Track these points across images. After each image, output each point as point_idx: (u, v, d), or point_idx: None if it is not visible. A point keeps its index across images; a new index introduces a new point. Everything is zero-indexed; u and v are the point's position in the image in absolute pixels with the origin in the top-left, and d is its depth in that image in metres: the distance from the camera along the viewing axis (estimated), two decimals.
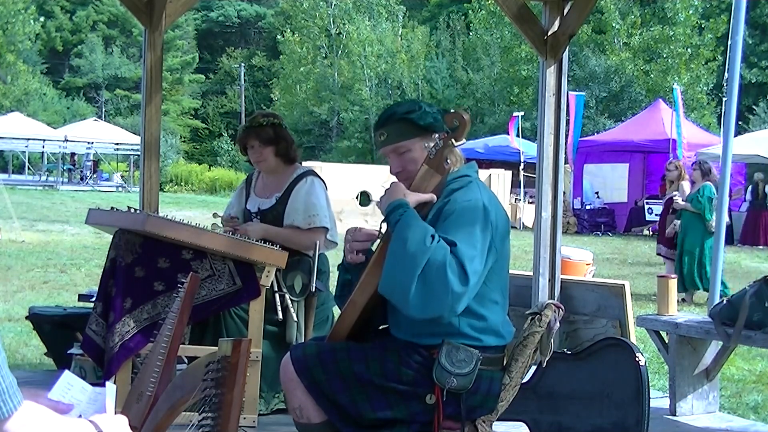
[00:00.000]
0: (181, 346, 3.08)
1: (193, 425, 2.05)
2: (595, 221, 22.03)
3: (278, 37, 46.43)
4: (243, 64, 51.86)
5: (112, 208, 4.48)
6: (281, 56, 46.64)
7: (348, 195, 17.24)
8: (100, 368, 4.32)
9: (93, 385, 1.91)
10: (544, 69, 5.63)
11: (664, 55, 32.60)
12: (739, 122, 26.03)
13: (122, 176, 37.75)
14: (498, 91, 38.63)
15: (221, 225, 4.73)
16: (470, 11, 40.93)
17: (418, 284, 2.65)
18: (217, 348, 2.06)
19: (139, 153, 5.96)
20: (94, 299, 4.55)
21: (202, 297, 4.15)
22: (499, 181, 22.90)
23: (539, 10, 5.90)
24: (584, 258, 8.63)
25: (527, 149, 21.99)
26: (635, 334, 5.65)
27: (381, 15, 42.53)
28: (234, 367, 2.01)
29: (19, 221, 15.88)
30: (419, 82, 41.40)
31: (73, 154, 36.76)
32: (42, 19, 45.83)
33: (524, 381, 3.11)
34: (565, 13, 5.61)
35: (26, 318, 5.74)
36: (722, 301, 4.84)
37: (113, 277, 4.18)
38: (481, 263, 2.74)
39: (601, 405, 3.66)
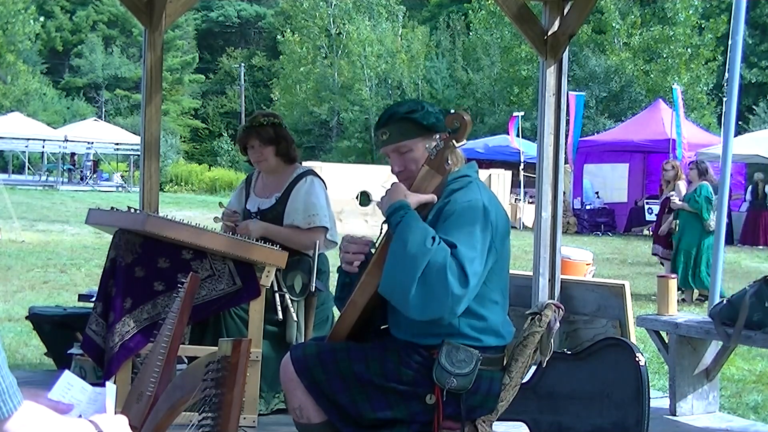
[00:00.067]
0: (181, 346, 3.08)
1: (193, 425, 2.05)
2: (595, 221, 22.04)
3: (278, 37, 46.43)
4: (243, 64, 51.86)
5: (112, 208, 4.48)
6: (281, 56, 46.64)
7: (348, 195, 17.24)
8: (100, 368, 4.32)
9: (93, 385, 1.91)
10: (544, 69, 5.62)
11: (664, 55, 32.61)
12: (739, 122, 26.03)
13: (122, 176, 37.75)
14: (498, 91, 38.63)
15: (221, 218, 4.73)
16: (470, 11, 40.93)
17: (418, 286, 2.65)
18: (217, 348, 2.06)
19: (139, 153, 5.96)
20: (94, 299, 4.54)
21: (202, 297, 4.15)
22: (499, 181, 22.90)
23: (539, 10, 5.90)
24: (584, 258, 8.63)
25: (527, 149, 21.99)
26: (635, 334, 5.65)
27: (381, 15, 42.53)
28: (234, 367, 2.01)
29: (19, 221, 15.88)
30: (419, 82, 41.40)
31: (73, 154, 36.76)
32: (42, 19, 45.83)
33: (524, 381, 3.11)
34: (565, 13, 5.61)
35: (26, 318, 5.74)
36: (722, 301, 4.84)
37: (113, 277, 4.18)
38: (481, 264, 2.74)
39: (601, 405, 3.66)
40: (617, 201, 22.86)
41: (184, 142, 49.86)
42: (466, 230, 2.74)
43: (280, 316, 4.52)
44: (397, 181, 2.97)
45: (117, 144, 35.83)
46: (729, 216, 14.07)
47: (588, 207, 22.44)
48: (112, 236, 4.32)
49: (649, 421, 3.58)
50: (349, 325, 2.94)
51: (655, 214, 13.09)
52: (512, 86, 36.97)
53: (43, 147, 35.61)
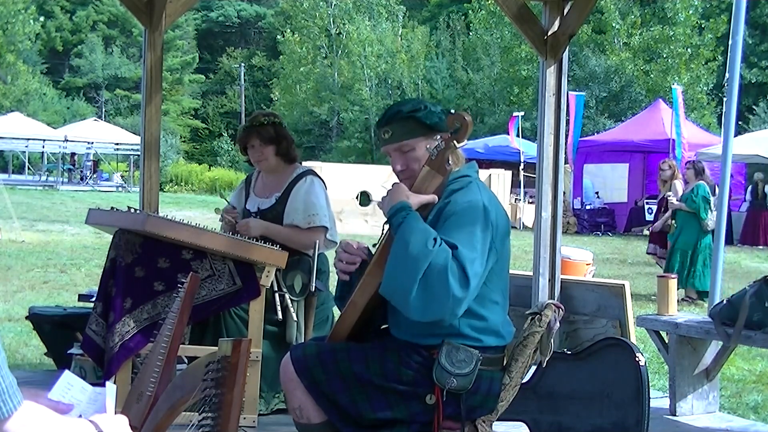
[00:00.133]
0: (181, 346, 3.08)
1: (193, 425, 2.05)
2: (595, 221, 22.04)
3: (278, 37, 46.43)
4: (243, 64, 51.86)
5: (112, 208, 4.48)
6: (281, 56, 46.64)
7: (348, 195, 17.26)
8: (100, 368, 4.32)
9: (93, 385, 1.91)
10: (544, 69, 5.63)
11: (664, 55, 32.60)
12: (739, 122, 26.03)
13: (122, 176, 37.74)
14: (498, 91, 38.62)
15: (221, 214, 4.73)
16: (470, 11, 40.93)
17: (419, 288, 2.65)
18: (217, 348, 2.06)
19: (139, 153, 5.96)
20: (94, 299, 4.55)
21: (202, 297, 4.15)
22: (499, 181, 22.90)
23: (539, 10, 5.90)
24: (584, 258, 8.63)
25: (527, 149, 22.00)
26: (635, 334, 5.65)
27: (381, 15, 42.53)
28: (234, 367, 2.01)
29: (19, 221, 15.88)
30: (419, 82, 41.40)
31: (73, 154, 36.75)
32: (42, 19, 45.82)
33: (524, 381, 3.11)
34: (565, 13, 5.61)
35: (26, 318, 5.74)
36: (722, 301, 4.84)
37: (113, 277, 4.18)
38: (482, 265, 2.74)
39: (601, 405, 3.66)
40: (617, 201, 22.87)
41: (184, 142, 49.86)
42: (466, 231, 2.74)
43: (280, 316, 4.52)
44: (397, 180, 2.97)
45: (117, 144, 35.82)
46: (729, 216, 14.07)
47: (588, 207, 22.44)
48: (112, 236, 4.32)
49: (649, 421, 3.58)
50: (350, 325, 2.94)
51: (655, 214, 13.08)
52: (512, 86, 36.96)
53: (43, 147, 35.60)
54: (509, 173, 23.76)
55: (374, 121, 37.07)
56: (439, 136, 2.89)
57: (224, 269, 4.22)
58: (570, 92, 19.59)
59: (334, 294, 3.20)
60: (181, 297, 2.41)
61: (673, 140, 18.43)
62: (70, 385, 1.86)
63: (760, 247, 18.66)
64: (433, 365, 2.80)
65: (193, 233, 4.12)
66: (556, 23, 5.62)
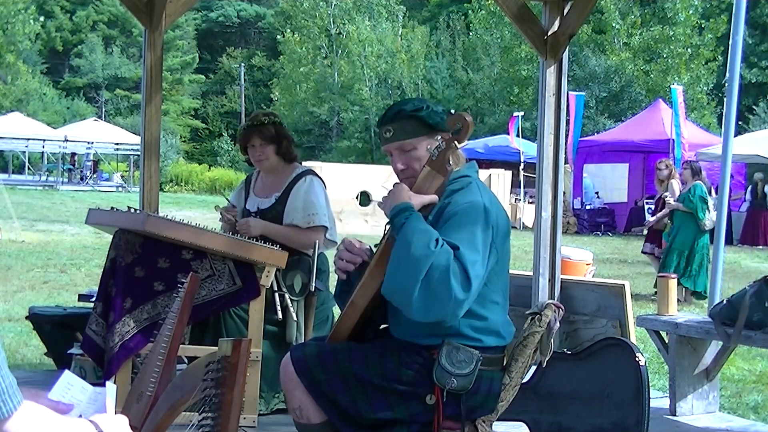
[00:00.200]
0: (181, 346, 3.08)
1: (193, 425, 2.05)
2: (595, 221, 22.04)
3: (278, 37, 46.43)
4: (243, 64, 51.86)
5: (112, 208, 4.48)
6: (281, 56, 46.64)
7: (348, 195, 17.26)
8: (100, 368, 4.32)
9: (93, 385, 1.91)
10: (544, 69, 5.62)
11: (664, 55, 32.61)
12: (739, 122, 26.03)
13: (122, 176, 37.75)
14: (498, 91, 38.63)
15: (221, 208, 4.73)
16: (470, 11, 40.94)
17: (421, 289, 2.64)
18: (217, 348, 2.06)
19: (139, 153, 5.96)
20: (94, 299, 4.54)
21: (202, 297, 4.15)
22: (499, 181, 22.91)
23: (539, 10, 5.90)
24: (584, 258, 8.64)
25: (527, 149, 22.00)
26: (635, 334, 5.65)
27: (381, 15, 42.53)
28: (234, 367, 2.01)
29: (19, 221, 15.88)
30: (419, 82, 41.41)
31: (73, 154, 36.75)
32: (42, 19, 45.84)
33: (524, 381, 3.10)
34: (565, 13, 5.61)
35: (26, 318, 5.74)
36: (722, 301, 4.84)
37: (113, 277, 4.18)
38: (483, 266, 2.74)
39: (601, 405, 3.66)
40: (617, 201, 22.87)
41: (184, 142, 49.85)
42: (467, 232, 2.74)
43: (280, 316, 4.52)
44: (397, 180, 2.97)
45: (117, 144, 35.82)
46: (729, 216, 14.07)
47: (588, 207, 22.44)
48: (112, 236, 4.32)
49: (649, 421, 3.58)
50: (350, 325, 2.93)
51: (652, 214, 13.10)
52: (512, 86, 36.97)
53: (43, 147, 35.60)
54: (509, 173, 23.76)
55: (374, 121, 37.09)
56: (440, 136, 2.89)
57: (224, 269, 4.22)
58: (570, 92, 19.58)
59: (333, 293, 3.20)
60: (181, 297, 2.41)
61: (673, 140, 18.44)
62: (70, 385, 1.86)
63: (760, 247, 18.66)
64: (433, 365, 2.80)
65: (193, 233, 4.12)
66: (556, 23, 5.62)
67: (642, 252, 11.53)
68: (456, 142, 2.87)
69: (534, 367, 3.44)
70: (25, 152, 38.05)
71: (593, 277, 8.49)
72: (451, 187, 2.89)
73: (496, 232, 2.81)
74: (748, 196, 19.82)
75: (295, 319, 4.53)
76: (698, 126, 24.60)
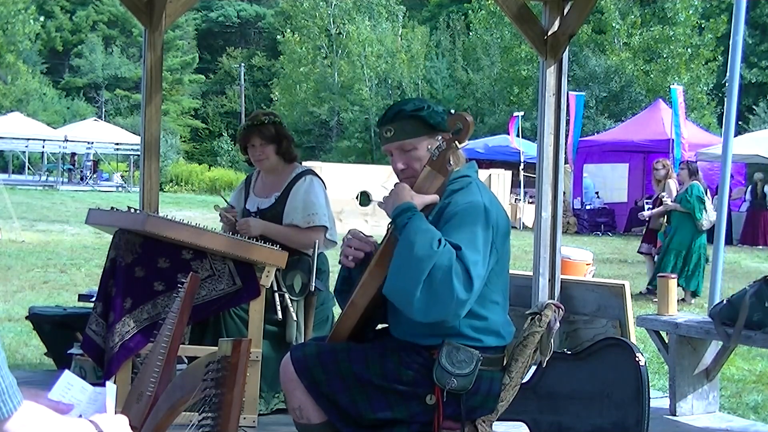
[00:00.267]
0: (181, 346, 3.08)
1: (193, 425, 2.05)
2: (595, 221, 22.04)
3: (278, 37, 46.43)
4: (243, 64, 51.86)
5: (112, 208, 4.48)
6: (281, 56, 46.65)
7: (348, 195, 17.26)
8: (100, 368, 4.32)
9: (93, 385, 1.91)
10: (544, 69, 5.62)
11: (664, 55, 32.61)
12: (739, 122, 26.04)
13: (122, 176, 37.74)
14: (498, 91, 38.63)
15: (220, 209, 4.73)
16: (470, 11, 40.94)
17: (423, 289, 2.64)
18: (217, 348, 2.06)
19: (139, 153, 5.96)
20: (94, 299, 4.54)
21: (202, 297, 4.15)
22: (499, 181, 22.91)
23: (539, 10, 5.90)
24: (584, 258, 8.64)
25: (527, 149, 21.99)
26: (635, 334, 5.65)
27: (381, 15, 42.54)
28: (234, 367, 2.01)
29: (19, 221, 15.88)
30: (419, 82, 41.41)
31: (73, 154, 36.75)
32: (42, 19, 45.83)
33: (524, 381, 3.11)
34: (565, 13, 5.61)
35: (26, 318, 5.74)
36: (722, 301, 4.84)
37: (113, 277, 4.18)
38: (484, 266, 2.74)
39: (601, 405, 3.66)
40: (617, 201, 22.87)
41: (184, 142, 49.85)
42: (468, 232, 2.74)
43: (280, 315, 4.52)
44: (397, 180, 2.96)
45: (117, 144, 35.82)
46: (729, 216, 14.08)
47: (588, 207, 22.44)
48: (112, 236, 4.32)
49: (649, 421, 3.58)
50: (350, 326, 2.93)
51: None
52: (512, 86, 36.97)
53: (43, 147, 35.60)
54: (509, 173, 23.76)
55: (374, 121, 37.09)
56: (440, 137, 2.88)
57: (224, 269, 4.22)
58: (570, 92, 19.58)
59: (334, 289, 3.19)
60: (181, 297, 2.41)
61: (673, 140, 18.43)
62: (70, 385, 1.86)
63: (760, 247, 18.66)
64: (434, 365, 2.80)
65: (193, 233, 4.12)
66: (556, 23, 5.62)
67: (638, 252, 11.53)
68: (457, 142, 2.87)
69: (534, 367, 3.44)
70: (25, 152, 38.05)
71: (593, 277, 8.49)
72: (452, 187, 2.89)
73: (496, 232, 2.81)
74: (748, 196, 19.82)
75: (294, 319, 4.53)
76: (698, 126, 24.60)
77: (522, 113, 24.04)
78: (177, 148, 44.84)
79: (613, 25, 33.63)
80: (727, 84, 6.16)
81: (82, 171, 36.50)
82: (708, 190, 10.39)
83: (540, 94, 5.69)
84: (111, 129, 37.60)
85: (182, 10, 5.52)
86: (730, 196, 7.86)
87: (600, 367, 3.66)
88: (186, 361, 4.34)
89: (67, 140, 34.03)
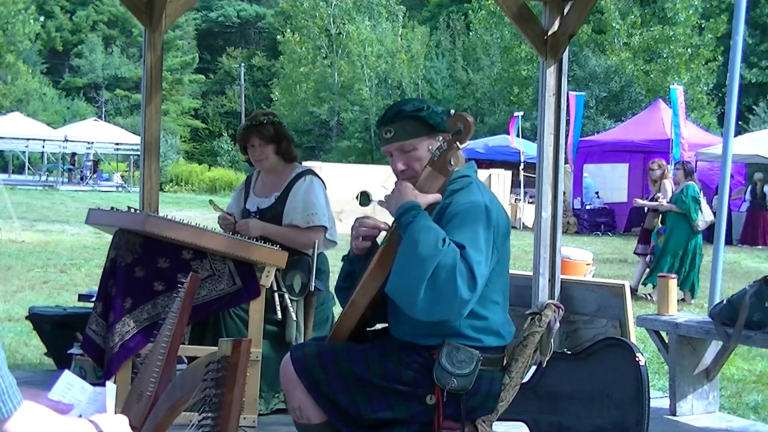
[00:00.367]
0: (181, 346, 3.08)
1: (193, 425, 2.05)
2: (595, 221, 22.04)
3: (278, 37, 46.44)
4: (243, 64, 51.87)
5: (112, 208, 4.48)
6: (281, 56, 46.65)
7: (348, 195, 17.28)
8: (100, 368, 4.32)
9: (93, 385, 1.91)
10: (544, 69, 5.62)
11: (664, 55, 32.61)
12: (739, 122, 26.04)
13: (122, 176, 37.74)
14: (498, 91, 38.63)
15: (216, 205, 4.74)
16: (470, 11, 40.94)
17: (427, 288, 2.63)
18: (217, 348, 2.06)
19: (139, 153, 5.96)
20: (94, 299, 4.54)
21: (202, 297, 4.15)
22: (499, 181, 22.91)
23: (539, 10, 5.90)
24: (584, 258, 8.65)
25: (527, 149, 21.99)
26: (635, 334, 5.65)
27: (381, 15, 42.54)
28: (234, 367, 2.01)
29: (19, 221, 15.87)
30: (419, 82, 41.41)
31: (73, 154, 36.75)
32: (42, 19, 45.83)
33: (524, 381, 3.10)
34: (565, 13, 5.61)
35: (26, 318, 5.74)
36: (722, 301, 4.84)
37: (113, 277, 4.18)
38: (487, 266, 2.74)
39: (601, 405, 3.66)
40: (617, 201, 22.86)
41: (184, 142, 49.85)
42: (470, 231, 2.74)
43: (279, 315, 4.52)
44: (399, 180, 2.96)
45: (117, 144, 35.82)
46: (729, 216, 14.07)
47: (588, 207, 22.44)
48: (112, 236, 4.32)
49: (649, 421, 3.58)
50: (350, 326, 2.93)
51: (646, 214, 13.12)
52: (512, 86, 36.97)
53: (43, 147, 35.60)
54: (509, 173, 23.76)
55: (374, 121, 37.07)
56: (441, 137, 2.88)
57: (224, 269, 4.22)
58: (570, 92, 19.57)
59: (335, 287, 3.18)
60: (181, 297, 2.41)
61: (672, 140, 18.41)
62: (70, 385, 1.86)
63: (760, 247, 18.66)
64: (434, 365, 2.80)
65: (193, 233, 4.12)
66: (556, 23, 5.62)
67: (635, 253, 11.53)
68: (458, 142, 2.87)
69: (534, 367, 3.44)
70: (25, 152, 38.05)
71: (593, 277, 8.50)
72: (452, 187, 2.89)
73: (497, 232, 2.81)
74: (748, 196, 19.82)
75: (294, 319, 4.53)
76: (698, 126, 24.60)
77: (522, 113, 24.04)
78: (177, 148, 44.84)
79: (613, 25, 33.63)
80: (727, 84, 6.16)
81: (82, 171, 36.50)
82: (702, 191, 10.37)
83: (540, 94, 5.69)
84: (111, 129, 37.60)
85: (182, 10, 5.52)
86: (729, 196, 7.85)
87: (600, 367, 3.66)
88: (186, 361, 4.34)
89: (67, 140, 34.03)
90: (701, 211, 9.90)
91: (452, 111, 2.97)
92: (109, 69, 51.41)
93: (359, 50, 41.18)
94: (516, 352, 2.97)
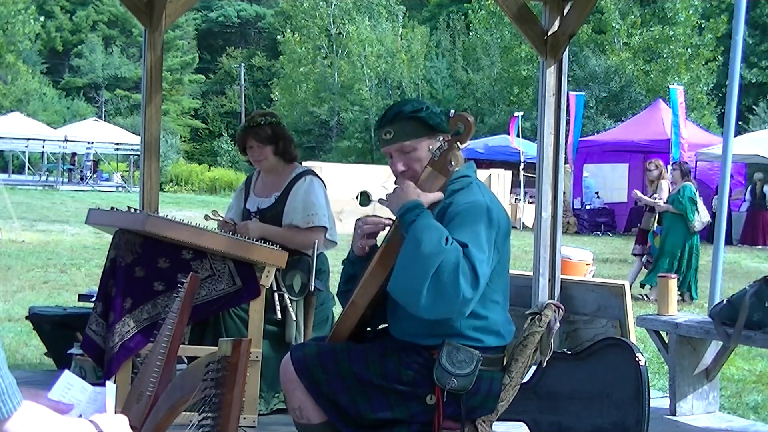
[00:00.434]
0: (181, 346, 3.08)
1: (193, 425, 2.05)
2: (595, 221, 22.04)
3: (278, 37, 46.44)
4: (243, 64, 51.87)
5: (112, 208, 4.48)
6: (281, 56, 46.65)
7: (348, 195, 17.27)
8: (100, 368, 4.32)
9: (93, 385, 1.91)
10: (544, 69, 5.62)
11: (664, 55, 32.61)
12: (739, 122, 26.04)
13: (122, 176, 37.74)
14: (498, 91, 38.63)
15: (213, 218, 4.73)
16: (470, 11, 40.94)
17: (430, 286, 2.63)
18: (217, 348, 2.06)
19: (139, 153, 5.96)
20: (94, 299, 4.54)
21: (202, 297, 4.15)
22: (499, 181, 22.91)
23: (539, 10, 5.90)
24: (584, 258, 8.65)
25: (527, 149, 22.00)
26: (635, 334, 5.65)
27: (381, 15, 42.54)
28: (234, 367, 2.01)
29: (19, 221, 15.88)
30: (419, 82, 41.41)
31: (73, 154, 36.75)
32: (42, 19, 45.82)
33: (524, 381, 3.10)
34: (565, 13, 5.61)
35: (26, 318, 5.74)
36: (722, 301, 4.84)
37: (113, 277, 4.18)
38: (489, 265, 2.74)
39: (601, 405, 3.66)
40: (617, 201, 22.87)
41: (184, 142, 49.86)
42: (472, 231, 2.74)
43: (279, 315, 4.52)
44: (400, 179, 2.95)
45: (117, 144, 35.82)
46: (729, 216, 14.08)
47: (588, 207, 22.44)
48: (112, 236, 4.32)
49: (649, 421, 3.58)
50: (350, 326, 2.93)
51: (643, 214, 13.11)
52: (512, 86, 36.97)
53: (43, 147, 35.60)
54: (509, 173, 23.77)
55: (374, 121, 37.06)
56: (441, 137, 2.88)
57: (224, 269, 4.22)
58: (570, 92, 19.57)
59: (336, 290, 3.18)
60: (181, 297, 2.41)
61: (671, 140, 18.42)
62: (70, 385, 1.86)
63: (760, 247, 18.66)
64: (434, 366, 2.80)
65: (193, 233, 4.12)
66: (556, 23, 5.62)
67: (632, 254, 11.53)
68: (458, 142, 2.87)
69: (534, 367, 3.44)
70: (25, 152, 38.05)
71: (593, 277, 8.50)
72: (452, 187, 2.89)
73: (498, 232, 2.81)
74: (747, 196, 19.83)
75: (294, 319, 4.53)
76: (698, 126, 24.60)
77: (522, 113, 24.04)
78: (177, 148, 44.84)
79: (613, 25, 33.63)
80: (727, 84, 6.16)
81: (82, 171, 36.49)
82: (698, 192, 10.36)
83: (540, 94, 5.69)
84: (111, 129, 37.60)
85: (182, 10, 5.52)
86: (729, 196, 7.85)
87: (600, 367, 3.66)
88: (186, 361, 4.34)
89: (67, 140, 34.03)
90: (698, 212, 9.90)
91: (452, 111, 2.97)
92: (109, 69, 51.42)
93: (359, 50, 41.18)
94: (516, 352, 2.97)
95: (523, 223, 21.36)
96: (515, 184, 23.77)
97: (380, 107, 38.37)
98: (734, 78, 6.12)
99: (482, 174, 20.09)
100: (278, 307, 4.52)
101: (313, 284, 4.09)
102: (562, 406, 3.74)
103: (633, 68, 32.88)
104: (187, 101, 53.71)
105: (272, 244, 4.34)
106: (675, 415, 4.92)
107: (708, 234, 12.57)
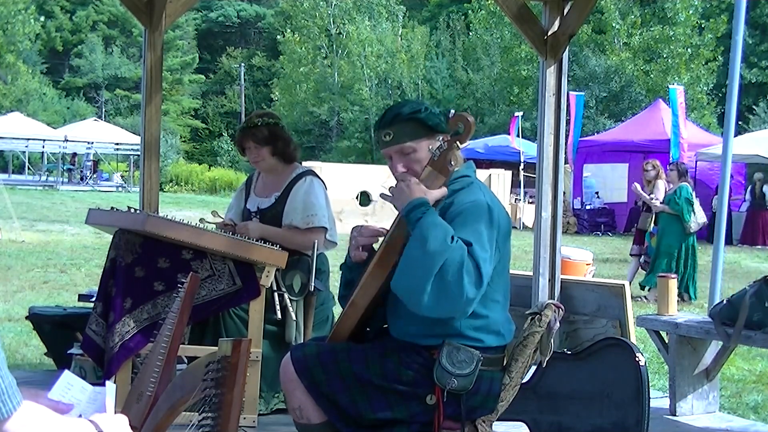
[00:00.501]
0: (181, 346, 3.07)
1: (193, 425, 2.05)
2: (595, 221, 22.04)
3: (278, 37, 46.44)
4: (243, 64, 51.86)
5: (112, 208, 4.48)
6: (281, 56, 46.65)
7: (348, 195, 17.29)
8: (100, 368, 4.32)
9: (93, 385, 1.91)
10: (544, 69, 5.62)
11: (664, 55, 32.61)
12: (739, 122, 26.04)
13: (122, 176, 37.74)
14: (498, 91, 38.63)
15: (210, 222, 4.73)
16: (470, 11, 40.94)
17: (434, 284, 2.63)
18: (217, 348, 2.06)
19: (139, 153, 5.96)
20: (94, 299, 4.55)
21: (202, 297, 4.15)
22: (499, 181, 22.91)
23: (539, 10, 5.90)
24: (584, 258, 8.66)
25: (527, 149, 22.00)
26: (635, 334, 5.65)
27: (381, 15, 42.53)
28: (234, 367, 2.01)
29: (19, 221, 15.88)
30: (419, 82, 41.40)
31: (73, 154, 36.75)
32: (42, 19, 45.85)
33: (524, 381, 3.10)
34: (565, 13, 5.61)
35: (26, 318, 5.74)
36: (722, 301, 4.84)
37: (113, 277, 4.18)
38: (491, 265, 2.74)
39: (601, 405, 3.66)
40: (617, 201, 22.87)
41: (184, 142, 49.85)
42: (474, 230, 2.74)
43: (279, 315, 4.52)
44: (404, 176, 2.94)
45: (117, 144, 35.83)
46: (729, 216, 14.08)
47: (588, 207, 22.44)
48: (112, 236, 4.32)
49: (649, 421, 3.58)
50: (350, 326, 2.93)
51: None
52: (512, 86, 36.97)
53: (43, 147, 35.60)
54: (509, 173, 23.77)
55: (374, 121, 37.05)
56: (441, 137, 2.88)
57: (224, 269, 4.22)
58: (570, 92, 19.58)
59: (337, 294, 3.18)
60: (181, 297, 2.41)
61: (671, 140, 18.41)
62: (70, 385, 1.86)
63: (760, 247, 18.66)
64: (434, 366, 2.79)
65: (193, 233, 4.12)
66: (556, 23, 5.62)
67: (630, 254, 11.52)
68: (458, 142, 2.87)
69: (534, 367, 3.44)
70: (25, 152, 38.05)
71: (593, 277, 8.50)
72: (452, 186, 2.89)
73: (499, 231, 2.81)
74: (747, 196, 19.83)
75: (294, 319, 4.53)
76: (698, 126, 24.60)
77: (522, 113, 24.04)
78: (177, 148, 44.84)
79: (613, 25, 33.63)
80: (727, 84, 6.16)
81: (82, 171, 36.49)
82: (695, 192, 10.35)
83: (540, 94, 5.69)
84: (111, 129, 37.60)
85: (182, 10, 5.52)
86: (729, 197, 7.85)
87: (600, 367, 3.66)
88: (186, 361, 4.34)
89: (67, 140, 34.03)
90: (694, 213, 9.89)
91: (452, 111, 2.97)
92: (109, 69, 51.42)
93: (359, 50, 41.18)
94: (516, 352, 2.97)
95: (523, 223, 21.36)
96: (515, 184, 23.77)
97: (380, 107, 38.37)
98: (734, 78, 6.12)
99: (482, 174, 20.09)
100: (278, 307, 4.52)
101: (313, 284, 4.09)
102: (562, 406, 3.74)
103: (633, 68, 32.87)
104: (187, 101, 53.71)
105: (272, 244, 4.34)
106: (675, 415, 4.92)
107: (708, 234, 12.57)
